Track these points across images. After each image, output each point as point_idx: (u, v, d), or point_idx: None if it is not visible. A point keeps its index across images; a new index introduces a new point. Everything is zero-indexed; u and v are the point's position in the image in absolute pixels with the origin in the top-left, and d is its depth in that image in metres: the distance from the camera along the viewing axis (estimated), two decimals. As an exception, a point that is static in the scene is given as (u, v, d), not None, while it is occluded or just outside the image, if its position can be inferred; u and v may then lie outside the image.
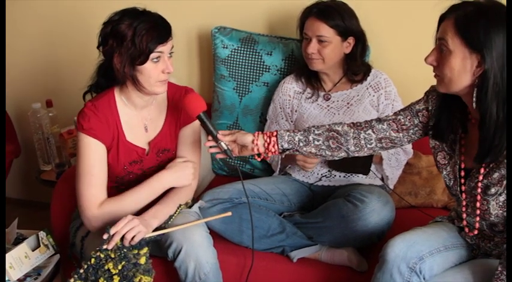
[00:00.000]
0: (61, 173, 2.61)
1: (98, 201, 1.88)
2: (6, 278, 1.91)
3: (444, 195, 2.33)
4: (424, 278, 1.64)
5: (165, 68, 1.85)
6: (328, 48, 2.19)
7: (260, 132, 1.81)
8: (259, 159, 1.82)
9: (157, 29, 1.81)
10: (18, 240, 2.10)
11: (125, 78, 1.86)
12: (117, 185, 2.00)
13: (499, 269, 1.53)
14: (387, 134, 1.75)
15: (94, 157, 1.89)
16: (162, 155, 2.02)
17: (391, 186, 2.27)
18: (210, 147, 1.85)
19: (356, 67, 2.28)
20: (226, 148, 1.81)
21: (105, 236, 1.72)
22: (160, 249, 1.89)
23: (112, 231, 1.72)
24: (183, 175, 1.97)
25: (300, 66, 2.37)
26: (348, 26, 2.19)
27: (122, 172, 1.97)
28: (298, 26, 2.30)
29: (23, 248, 1.97)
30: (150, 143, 1.99)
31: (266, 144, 1.78)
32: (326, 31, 2.17)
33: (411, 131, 1.75)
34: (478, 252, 1.76)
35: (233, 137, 1.81)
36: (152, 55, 1.81)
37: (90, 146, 1.88)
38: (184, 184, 1.98)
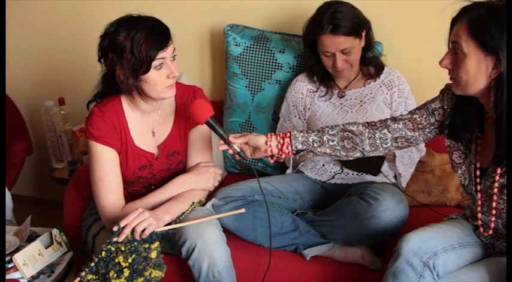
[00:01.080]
0: (73, 171, 2.62)
1: (119, 206, 1.89)
2: (20, 275, 1.92)
3: (458, 194, 2.31)
4: (437, 275, 1.64)
5: (169, 73, 1.82)
6: (353, 54, 2.18)
7: (273, 134, 1.80)
8: (272, 161, 1.81)
9: (156, 36, 1.78)
10: (32, 238, 2.10)
11: (130, 90, 1.84)
12: (126, 187, 2.00)
13: None
14: (403, 133, 1.74)
15: (108, 164, 1.89)
16: (172, 158, 2.02)
17: (404, 184, 2.26)
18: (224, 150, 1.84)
19: (370, 55, 2.28)
20: (239, 150, 1.79)
21: (115, 228, 1.72)
22: (173, 246, 1.90)
23: (122, 223, 1.72)
24: (203, 179, 1.98)
25: (311, 65, 2.35)
26: (359, 23, 2.17)
27: (132, 177, 1.97)
28: (306, 40, 2.27)
29: (37, 245, 1.98)
30: (160, 146, 1.99)
31: (279, 146, 1.77)
32: (347, 42, 2.14)
33: (427, 129, 1.73)
34: (493, 250, 1.74)
35: (245, 139, 1.80)
36: (154, 63, 1.78)
37: (103, 154, 1.89)
38: (204, 187, 1.99)
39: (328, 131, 1.78)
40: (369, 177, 2.23)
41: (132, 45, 1.75)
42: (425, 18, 2.43)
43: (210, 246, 1.82)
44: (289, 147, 1.77)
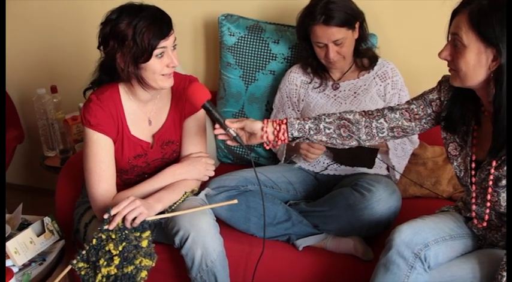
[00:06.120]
0: (65, 159, 2.61)
1: (111, 195, 1.89)
2: (11, 263, 1.91)
3: (449, 186, 2.33)
4: (428, 266, 1.65)
5: (169, 62, 1.82)
6: (345, 46, 2.18)
7: (269, 120, 1.79)
8: (267, 148, 1.80)
9: (158, 24, 1.78)
10: (23, 226, 2.09)
11: (129, 78, 1.84)
12: (120, 175, 2.00)
13: (505, 259, 1.54)
14: (399, 123, 1.75)
15: (103, 152, 1.88)
16: (167, 147, 2.02)
17: (397, 177, 2.27)
18: (220, 134, 1.83)
19: (364, 47, 2.29)
20: (235, 135, 1.79)
21: (105, 216, 1.73)
22: (166, 236, 1.90)
23: (113, 211, 1.72)
24: (194, 169, 1.98)
25: (305, 57, 2.35)
26: (352, 14, 2.17)
27: (127, 165, 1.97)
28: (299, 31, 2.27)
29: (28, 233, 1.97)
30: (155, 135, 1.99)
31: (276, 132, 1.77)
32: (340, 33, 2.14)
33: (423, 120, 1.74)
34: (484, 242, 1.76)
35: (241, 124, 1.79)
36: (155, 52, 1.78)
37: (98, 141, 1.88)
38: (195, 178, 1.99)
39: (324, 118, 1.78)
40: (362, 169, 2.23)
41: (134, 33, 1.75)
42: (420, 10, 2.43)
43: (203, 236, 1.82)
44: (286, 134, 1.76)
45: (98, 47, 1.85)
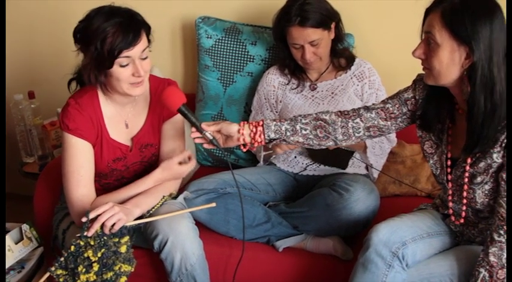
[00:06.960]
0: (44, 165, 2.58)
1: (89, 200, 1.87)
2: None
3: (428, 184, 2.34)
4: (406, 264, 1.66)
5: (135, 72, 1.79)
6: (322, 47, 2.19)
7: (246, 122, 1.79)
8: (244, 150, 1.80)
9: (124, 33, 1.72)
10: (1, 234, 2.07)
11: (92, 81, 1.81)
12: (99, 180, 1.98)
13: (481, 256, 1.57)
14: (375, 122, 1.76)
15: (82, 157, 1.86)
16: (146, 150, 2.01)
17: (375, 175, 2.28)
18: (196, 137, 1.82)
19: (341, 47, 2.30)
20: (211, 138, 1.78)
21: (83, 219, 1.71)
22: (146, 240, 1.88)
23: (91, 215, 1.71)
24: (172, 172, 1.94)
25: (282, 58, 2.36)
26: (327, 15, 2.18)
27: (106, 169, 1.95)
28: (275, 33, 2.28)
29: (6, 241, 1.95)
30: (133, 138, 1.98)
31: (252, 134, 1.77)
32: (316, 34, 2.15)
33: (399, 119, 1.75)
34: (461, 239, 1.78)
35: (218, 127, 1.79)
36: (118, 60, 1.74)
37: (77, 146, 1.86)
38: (175, 178, 1.96)
39: (301, 119, 1.78)
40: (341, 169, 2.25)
41: (98, 39, 1.72)
42: (397, 9, 2.45)
43: (182, 240, 1.81)
44: (262, 136, 1.76)
45: (75, 43, 1.83)
